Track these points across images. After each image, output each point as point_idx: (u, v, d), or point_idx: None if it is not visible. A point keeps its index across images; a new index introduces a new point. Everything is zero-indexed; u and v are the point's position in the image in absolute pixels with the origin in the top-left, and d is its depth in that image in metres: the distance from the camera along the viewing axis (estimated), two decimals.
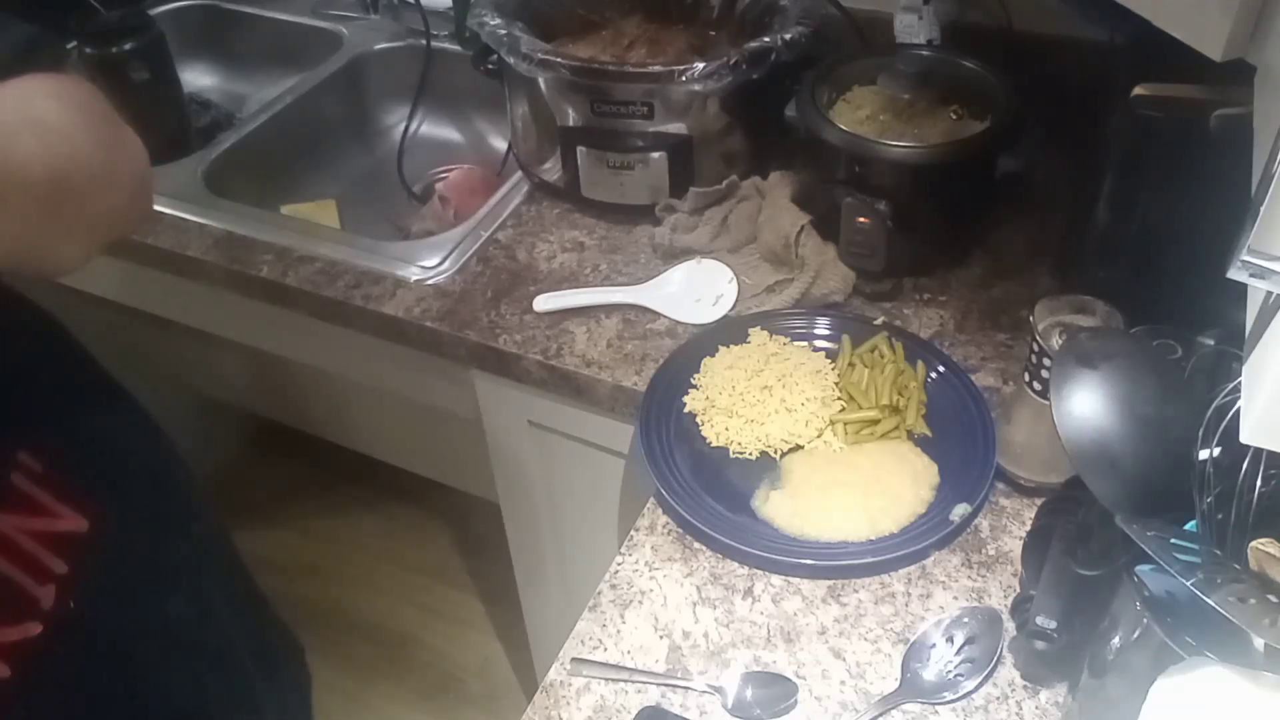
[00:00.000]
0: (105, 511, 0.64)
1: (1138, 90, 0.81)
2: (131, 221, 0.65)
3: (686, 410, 0.90)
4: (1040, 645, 0.68)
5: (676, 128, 1.06)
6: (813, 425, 0.87)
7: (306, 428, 1.91)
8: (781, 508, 0.82)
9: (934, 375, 0.91)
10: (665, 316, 1.01)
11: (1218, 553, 0.53)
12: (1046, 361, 0.76)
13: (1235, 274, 0.42)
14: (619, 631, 0.77)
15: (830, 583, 0.79)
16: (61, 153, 0.55)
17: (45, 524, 0.60)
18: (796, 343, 0.95)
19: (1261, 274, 0.41)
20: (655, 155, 1.06)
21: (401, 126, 1.43)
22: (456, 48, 1.39)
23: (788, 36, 1.04)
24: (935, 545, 0.80)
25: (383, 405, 1.70)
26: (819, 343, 0.95)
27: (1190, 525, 0.55)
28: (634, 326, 1.01)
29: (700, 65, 1.00)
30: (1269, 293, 0.45)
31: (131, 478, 0.70)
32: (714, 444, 0.87)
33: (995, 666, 0.72)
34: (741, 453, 0.86)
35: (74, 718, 0.62)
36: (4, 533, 0.57)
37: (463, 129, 1.48)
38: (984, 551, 0.80)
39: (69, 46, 1.31)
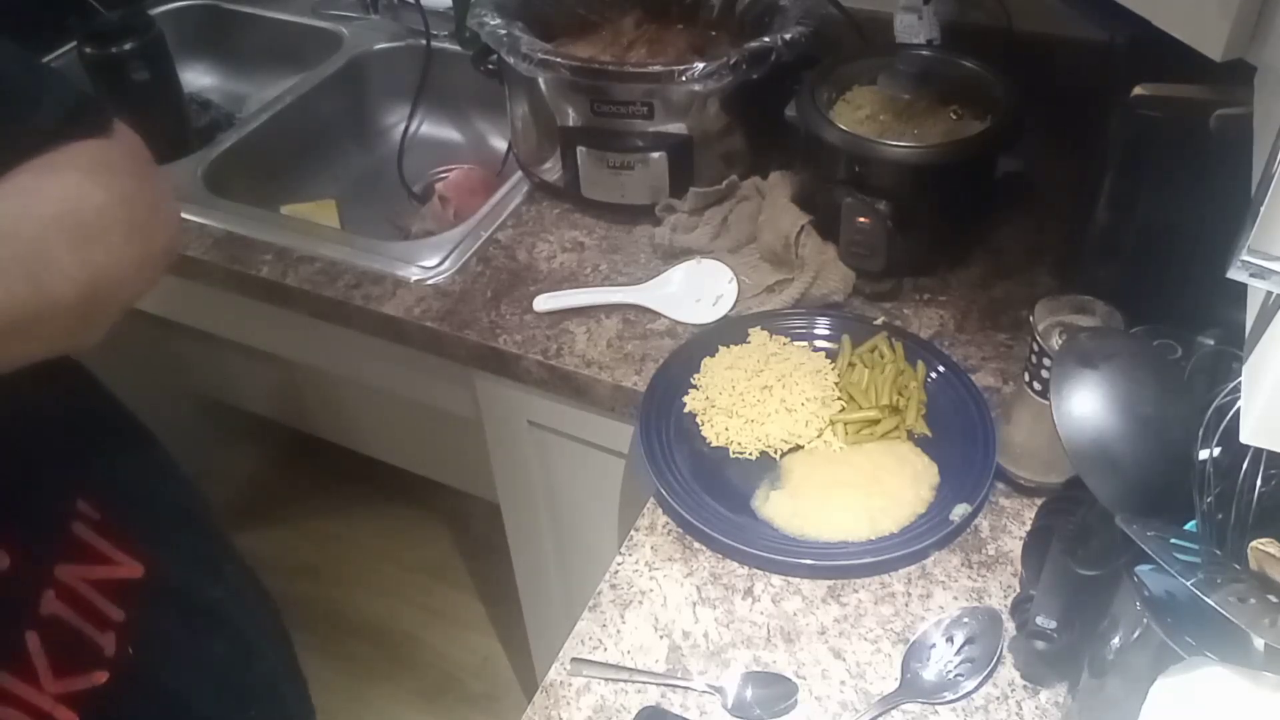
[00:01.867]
0: (156, 557, 0.64)
1: (1138, 90, 0.81)
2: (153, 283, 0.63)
3: (686, 410, 0.90)
4: (1040, 645, 0.68)
5: (676, 128, 1.06)
6: (813, 425, 0.87)
7: (307, 428, 1.91)
8: (781, 508, 0.82)
9: (934, 375, 0.91)
10: (665, 316, 1.01)
11: (1218, 553, 0.53)
12: (1046, 361, 0.76)
13: (1235, 274, 0.42)
14: (619, 631, 0.77)
15: (830, 583, 0.79)
16: (97, 264, 0.52)
17: (106, 572, 0.60)
18: (796, 343, 0.95)
19: (1261, 274, 0.41)
20: (655, 155, 1.06)
21: (401, 126, 1.43)
22: (456, 48, 1.39)
23: (788, 36, 1.04)
24: (935, 545, 0.80)
25: (383, 405, 1.70)
26: (819, 343, 0.95)
27: (1190, 525, 0.55)
28: (634, 326, 1.01)
29: (700, 65, 1.00)
30: (1269, 293, 0.45)
31: (171, 522, 0.70)
32: (714, 444, 0.87)
33: (995, 666, 0.72)
34: (741, 453, 0.86)
35: None
36: (68, 584, 0.58)
37: (463, 129, 1.48)
38: (984, 551, 0.80)
39: (69, 47, 1.31)
